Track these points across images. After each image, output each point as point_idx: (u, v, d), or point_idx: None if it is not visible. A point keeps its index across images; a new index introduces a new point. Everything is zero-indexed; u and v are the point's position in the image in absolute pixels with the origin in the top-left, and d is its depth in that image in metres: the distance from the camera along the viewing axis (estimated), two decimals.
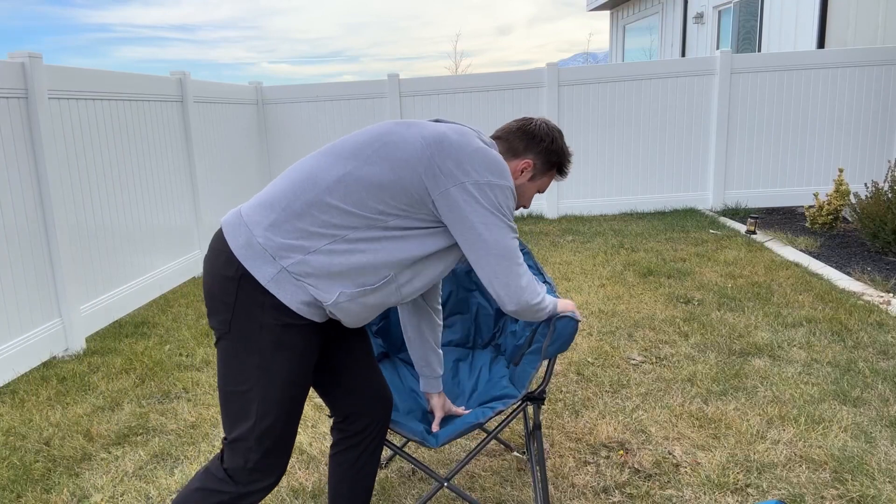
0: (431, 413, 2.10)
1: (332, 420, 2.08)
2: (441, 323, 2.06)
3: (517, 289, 1.66)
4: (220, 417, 3.09)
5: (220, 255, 1.58)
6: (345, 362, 1.81)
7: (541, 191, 1.90)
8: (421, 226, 1.60)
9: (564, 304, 1.89)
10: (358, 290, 1.58)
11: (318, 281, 1.55)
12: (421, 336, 2.02)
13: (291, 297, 1.55)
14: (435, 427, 2.02)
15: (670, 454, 2.57)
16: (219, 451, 1.68)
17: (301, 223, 1.55)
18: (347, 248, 1.55)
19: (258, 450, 1.61)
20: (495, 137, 1.85)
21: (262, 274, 1.53)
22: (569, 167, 1.89)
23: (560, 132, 1.87)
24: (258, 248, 1.54)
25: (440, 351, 2.06)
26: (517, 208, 1.81)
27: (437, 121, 1.73)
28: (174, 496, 1.67)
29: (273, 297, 1.54)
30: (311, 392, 3.31)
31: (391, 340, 2.51)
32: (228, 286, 1.56)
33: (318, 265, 1.54)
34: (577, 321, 1.90)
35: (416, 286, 1.66)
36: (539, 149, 1.81)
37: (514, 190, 1.65)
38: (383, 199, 1.55)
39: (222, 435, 1.63)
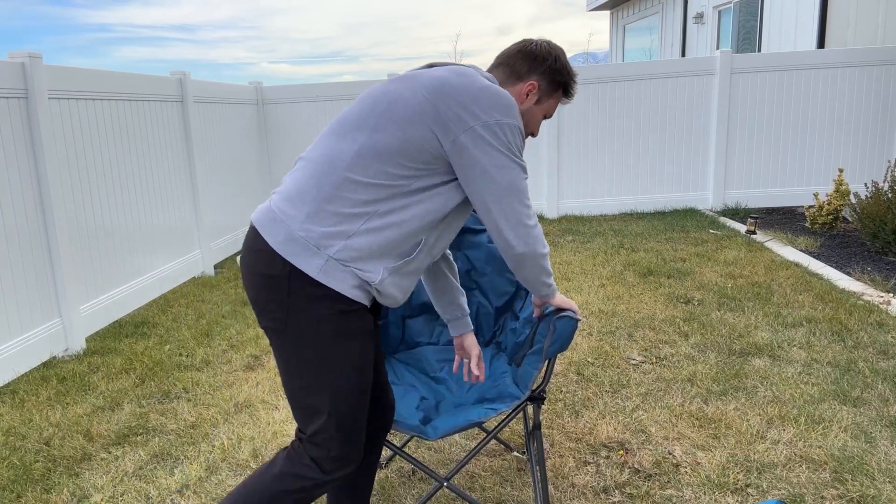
0: (465, 356, 2.04)
1: None
2: (452, 260, 2.04)
3: (527, 229, 1.61)
4: (220, 417, 3.09)
5: (261, 255, 1.56)
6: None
7: (548, 115, 1.83)
8: (444, 180, 1.58)
9: (564, 299, 1.88)
10: (401, 263, 1.57)
11: (364, 263, 1.54)
12: (445, 278, 2.00)
13: (342, 283, 1.53)
14: (476, 369, 1.98)
15: (670, 454, 2.57)
16: (294, 440, 1.67)
17: (335, 207, 1.53)
18: (383, 224, 1.54)
19: (339, 438, 1.60)
20: (495, 65, 1.79)
21: (310, 266, 1.51)
22: (574, 87, 1.81)
23: (563, 50, 1.79)
24: (301, 241, 1.52)
25: (461, 288, 2.05)
26: (525, 137, 1.75)
27: (431, 65, 1.67)
28: (246, 480, 1.65)
29: (325, 287, 1.52)
30: None
31: (387, 340, 2.51)
32: (277, 284, 1.54)
33: (361, 247, 1.53)
34: (577, 321, 1.90)
35: (444, 241, 1.66)
36: (542, 68, 1.74)
37: (521, 128, 1.60)
38: (401, 163, 1.53)
39: (295, 428, 1.62)
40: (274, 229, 1.55)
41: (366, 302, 1.58)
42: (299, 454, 1.63)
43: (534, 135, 1.83)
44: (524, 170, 1.61)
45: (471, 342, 2.04)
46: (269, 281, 1.55)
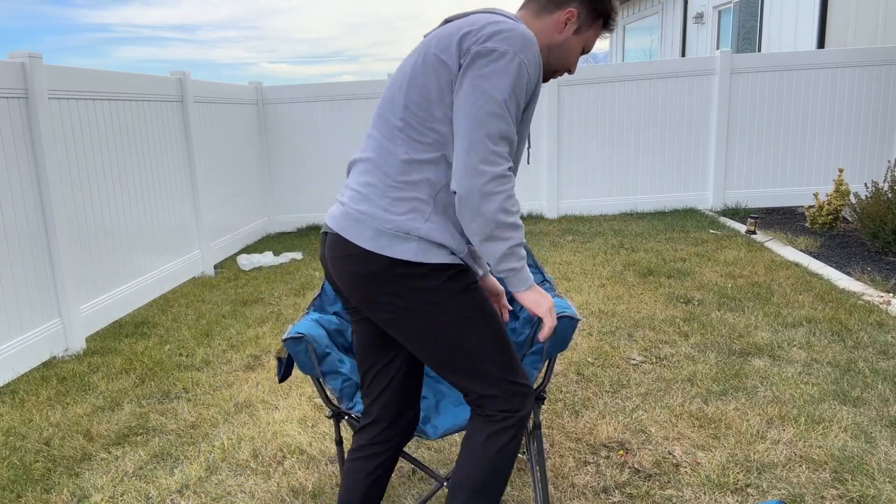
0: (495, 301, 1.98)
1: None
2: None
3: (476, 170, 1.48)
4: (220, 417, 3.09)
5: (356, 258, 1.58)
6: (409, 354, 1.79)
7: (587, 49, 1.73)
8: None
9: (535, 300, 1.62)
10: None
11: (449, 236, 1.59)
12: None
13: (440, 255, 1.58)
14: (503, 308, 1.97)
15: (670, 454, 2.57)
16: (474, 416, 1.69)
17: (408, 193, 1.56)
18: (448, 197, 1.58)
19: (510, 377, 1.64)
20: None
21: (406, 252, 1.55)
22: (616, 18, 1.71)
23: None
24: (389, 233, 1.55)
25: None
26: (560, 73, 1.72)
27: (446, 21, 1.66)
28: (468, 475, 1.65)
29: (427, 264, 1.57)
30: (312, 393, 3.31)
31: None
32: (382, 278, 1.57)
33: (440, 223, 1.57)
34: (577, 321, 1.90)
35: None
36: None
37: (529, 64, 1.51)
38: (441, 120, 1.55)
39: (471, 398, 1.67)
40: (358, 230, 1.58)
41: (465, 262, 1.64)
42: (490, 418, 1.65)
43: (570, 71, 1.74)
44: (506, 109, 1.49)
45: (491, 283, 1.98)
46: (373, 278, 1.58)
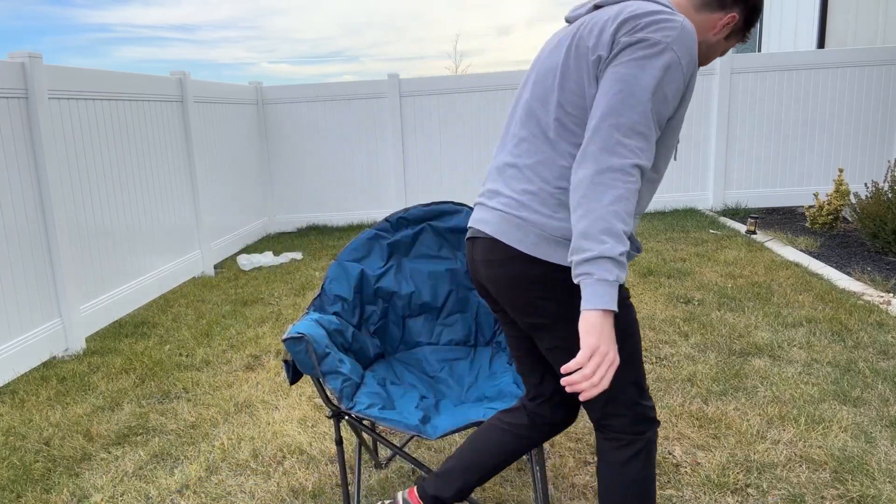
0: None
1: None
2: None
3: (594, 156, 1.37)
4: (220, 417, 3.09)
5: (514, 262, 1.53)
6: None
7: (724, 53, 1.67)
8: None
9: (603, 348, 1.43)
10: (636, 220, 1.55)
11: None
12: None
13: None
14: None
15: (670, 454, 2.57)
16: (601, 441, 1.65)
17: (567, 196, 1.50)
18: None
19: (643, 399, 1.59)
20: None
21: (564, 258, 1.49)
22: (750, 33, 1.67)
23: None
24: (553, 240, 1.49)
25: None
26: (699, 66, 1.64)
27: (596, 6, 1.56)
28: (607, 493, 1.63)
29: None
30: (312, 393, 3.31)
31: (388, 340, 2.51)
32: (540, 283, 1.52)
33: None
34: None
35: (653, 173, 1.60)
36: (748, 3, 1.57)
37: (682, 57, 1.40)
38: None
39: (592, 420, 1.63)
40: (521, 235, 1.52)
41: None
42: (618, 441, 1.59)
43: (703, 64, 1.68)
44: (647, 102, 1.37)
45: None
46: (530, 282, 1.52)
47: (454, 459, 1.82)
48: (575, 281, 1.38)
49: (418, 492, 1.82)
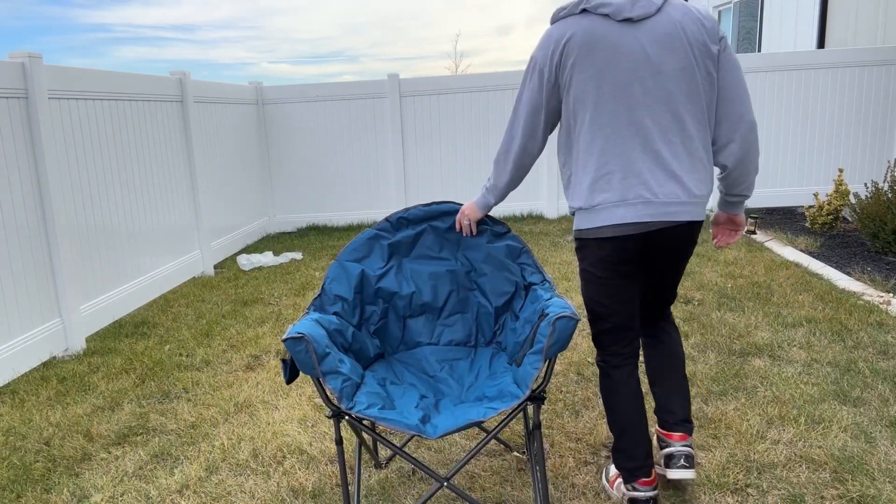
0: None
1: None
2: None
3: (755, 125, 2.08)
4: (220, 417, 3.09)
5: (696, 233, 2.12)
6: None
7: None
8: None
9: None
10: None
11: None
12: None
13: None
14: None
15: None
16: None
17: (711, 169, 2.10)
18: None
19: None
20: None
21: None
22: None
23: None
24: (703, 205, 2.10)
25: None
26: None
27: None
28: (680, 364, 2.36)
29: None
30: (312, 392, 3.31)
31: (388, 340, 2.51)
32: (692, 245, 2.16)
33: None
34: (577, 320, 1.90)
35: None
36: None
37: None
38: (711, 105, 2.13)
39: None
40: (700, 212, 2.06)
41: None
42: (670, 318, 2.43)
43: None
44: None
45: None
46: (691, 246, 2.17)
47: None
48: (738, 200, 2.23)
49: None
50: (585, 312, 2.26)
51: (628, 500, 2.17)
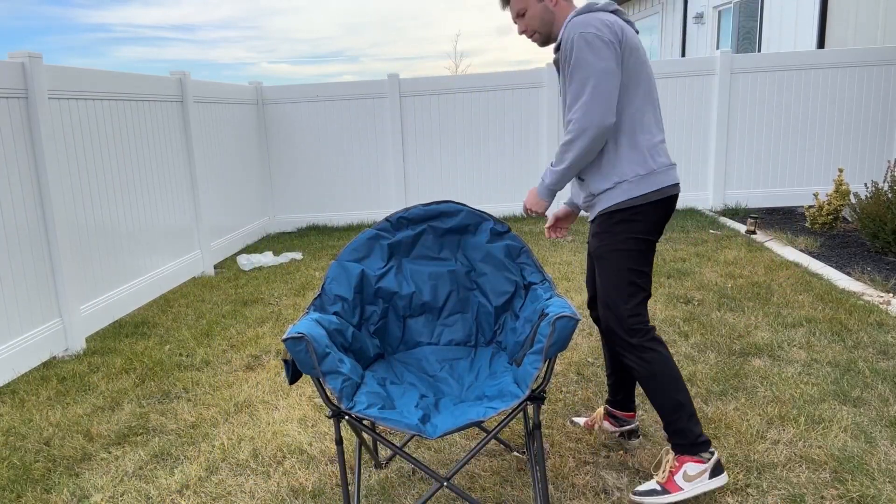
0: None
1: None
2: None
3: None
4: (220, 417, 3.09)
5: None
6: None
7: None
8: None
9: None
10: None
11: None
12: None
13: None
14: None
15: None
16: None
17: None
18: None
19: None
20: None
21: None
22: None
23: None
24: None
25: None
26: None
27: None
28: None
29: None
30: (312, 392, 3.31)
31: (388, 340, 2.51)
32: None
33: None
34: (577, 320, 1.90)
35: None
36: None
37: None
38: None
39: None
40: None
41: None
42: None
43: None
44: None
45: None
46: None
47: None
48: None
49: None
50: (617, 293, 2.24)
51: (714, 463, 2.22)
